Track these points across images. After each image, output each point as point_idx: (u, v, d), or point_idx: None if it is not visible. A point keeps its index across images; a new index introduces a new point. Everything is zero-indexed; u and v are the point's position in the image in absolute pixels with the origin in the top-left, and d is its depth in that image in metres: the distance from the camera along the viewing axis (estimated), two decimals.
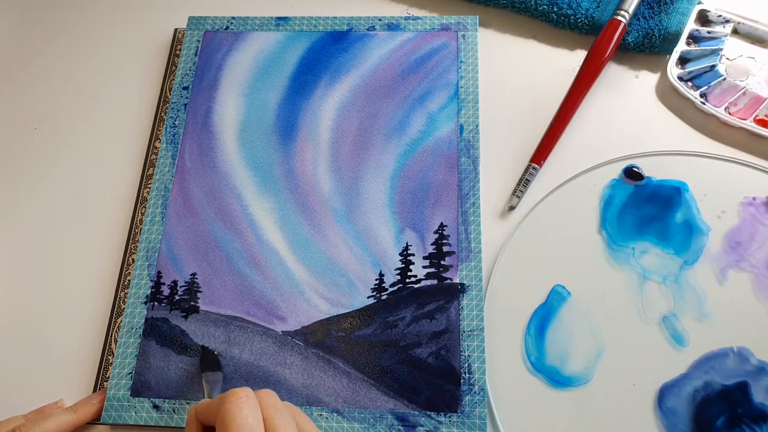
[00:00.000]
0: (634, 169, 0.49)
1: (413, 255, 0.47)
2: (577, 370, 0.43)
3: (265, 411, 0.34)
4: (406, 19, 0.56)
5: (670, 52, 0.52)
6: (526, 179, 0.49)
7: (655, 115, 0.52)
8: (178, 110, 0.53)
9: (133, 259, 0.49)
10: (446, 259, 0.47)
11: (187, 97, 0.54)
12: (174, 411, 0.43)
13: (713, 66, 0.51)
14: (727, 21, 0.53)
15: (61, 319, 0.48)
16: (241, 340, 0.45)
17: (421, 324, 0.45)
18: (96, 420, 0.44)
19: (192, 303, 0.47)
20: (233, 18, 0.57)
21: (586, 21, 0.54)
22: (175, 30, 0.58)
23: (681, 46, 0.52)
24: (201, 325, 0.46)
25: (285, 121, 0.53)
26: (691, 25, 0.52)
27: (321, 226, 0.49)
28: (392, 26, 0.56)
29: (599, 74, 0.51)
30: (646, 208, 0.48)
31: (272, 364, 0.44)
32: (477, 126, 0.51)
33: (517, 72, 0.54)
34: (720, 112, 0.50)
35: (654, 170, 0.49)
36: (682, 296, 0.45)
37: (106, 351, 0.46)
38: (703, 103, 0.50)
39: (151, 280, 0.48)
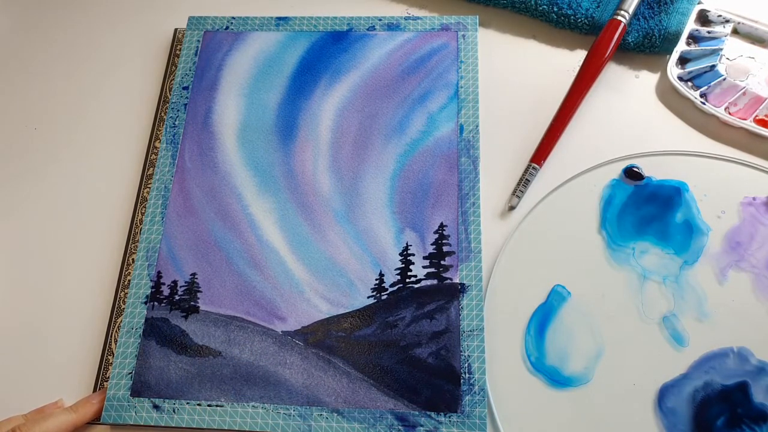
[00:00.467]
0: (634, 169, 0.49)
1: (413, 255, 0.47)
2: (577, 370, 0.43)
3: None
4: (406, 19, 0.56)
5: (670, 52, 0.52)
6: (526, 179, 0.49)
7: (655, 115, 0.52)
8: (178, 110, 0.53)
9: (133, 259, 0.49)
10: (446, 259, 0.47)
11: (187, 97, 0.54)
12: (174, 411, 0.43)
13: (713, 66, 0.51)
14: (727, 21, 0.53)
15: (61, 319, 0.48)
16: (241, 340, 0.45)
17: (421, 324, 0.45)
18: (96, 420, 0.44)
19: (192, 303, 0.47)
20: (233, 18, 0.57)
21: (586, 21, 0.54)
22: (175, 30, 0.58)
23: (681, 46, 0.52)
24: (201, 325, 0.46)
25: (285, 121, 0.53)
26: (691, 25, 0.52)
27: (321, 226, 0.49)
28: (392, 26, 0.56)
29: (599, 74, 0.51)
30: (646, 208, 0.48)
31: (272, 364, 0.44)
32: (477, 126, 0.51)
33: (517, 72, 0.54)
34: (720, 112, 0.50)
35: (654, 170, 0.49)
36: (682, 296, 0.45)
37: (106, 351, 0.46)
38: (703, 103, 0.50)
39: (151, 280, 0.48)
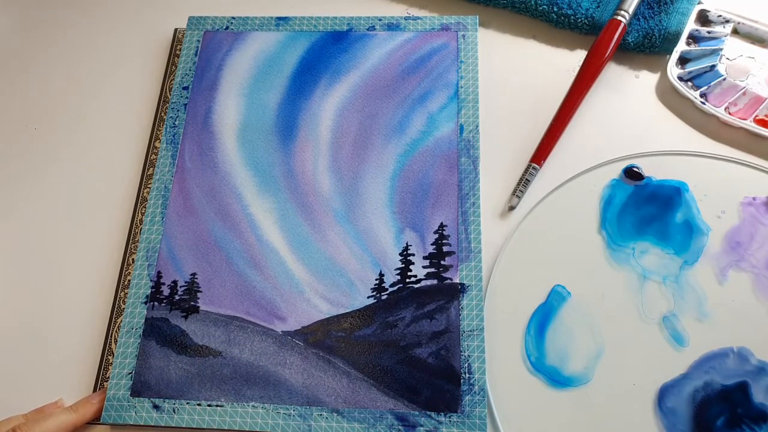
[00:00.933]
0: (634, 169, 0.49)
1: (413, 255, 0.47)
2: (577, 370, 0.43)
3: None
4: (406, 19, 0.56)
5: (670, 52, 0.52)
6: (526, 179, 0.49)
7: (655, 115, 0.52)
8: (178, 110, 0.53)
9: (133, 259, 0.49)
10: (446, 259, 0.47)
11: (187, 97, 0.54)
12: (174, 411, 0.43)
13: (713, 66, 0.51)
14: (727, 21, 0.53)
15: (61, 319, 0.48)
16: (241, 340, 0.45)
17: (421, 324, 0.45)
18: (96, 420, 0.44)
19: (192, 303, 0.47)
20: (233, 18, 0.57)
21: (586, 21, 0.54)
22: (175, 30, 0.58)
23: (681, 46, 0.52)
24: (201, 325, 0.46)
25: (285, 121, 0.53)
26: (691, 25, 0.52)
27: (321, 226, 0.49)
28: (392, 26, 0.56)
29: (599, 74, 0.51)
30: (646, 208, 0.48)
31: (272, 364, 0.44)
32: (477, 126, 0.51)
33: (517, 72, 0.54)
34: (720, 112, 0.50)
35: (654, 170, 0.49)
36: (682, 296, 0.45)
37: (106, 351, 0.46)
38: (703, 103, 0.50)
39: (151, 280, 0.48)
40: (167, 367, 0.45)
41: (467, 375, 0.43)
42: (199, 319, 0.46)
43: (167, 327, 0.46)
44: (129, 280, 0.48)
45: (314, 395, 0.43)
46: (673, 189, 0.48)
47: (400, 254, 0.47)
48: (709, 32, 0.52)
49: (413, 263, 0.47)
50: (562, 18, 0.54)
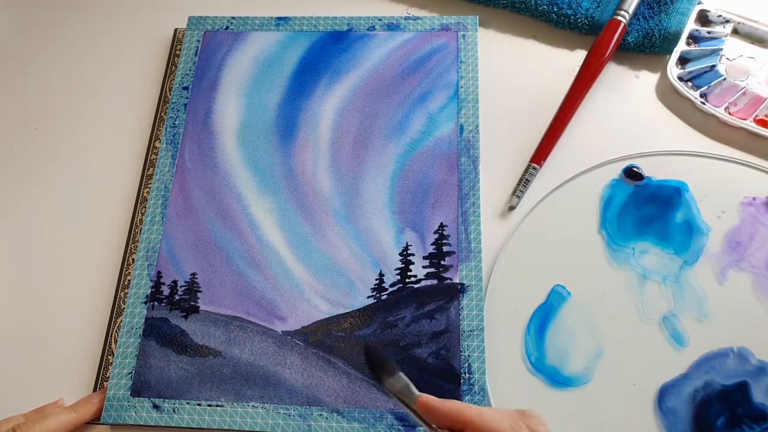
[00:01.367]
0: (634, 169, 0.49)
1: (413, 255, 0.47)
2: (577, 370, 0.43)
3: None
4: (406, 19, 0.56)
5: (670, 52, 0.52)
6: (526, 179, 0.49)
7: (655, 115, 0.52)
8: (178, 110, 0.53)
9: (133, 259, 0.49)
10: (446, 259, 0.47)
11: (187, 97, 0.54)
12: (174, 411, 0.43)
13: (713, 66, 0.51)
14: (727, 21, 0.53)
15: (61, 319, 0.48)
16: (241, 340, 0.45)
17: (421, 324, 0.45)
18: (96, 420, 0.44)
19: (192, 303, 0.47)
20: (233, 18, 0.57)
21: (586, 21, 0.54)
22: (175, 30, 0.58)
23: (681, 46, 0.52)
24: (201, 325, 0.46)
25: (285, 121, 0.53)
26: (691, 25, 0.52)
27: (321, 226, 0.49)
28: (392, 26, 0.56)
29: (599, 74, 0.51)
30: (646, 208, 0.48)
31: (272, 364, 0.44)
32: (477, 126, 0.51)
33: (517, 72, 0.54)
34: (720, 112, 0.50)
35: (654, 170, 0.49)
36: (682, 296, 0.45)
37: (106, 351, 0.46)
38: (703, 103, 0.50)
39: (151, 280, 0.48)
40: (167, 367, 0.45)
41: (467, 375, 0.43)
42: (199, 319, 0.46)
43: (167, 327, 0.46)
44: (129, 280, 0.48)
45: (314, 395, 0.43)
46: (673, 189, 0.48)
47: (400, 254, 0.47)
48: (709, 32, 0.52)
49: (413, 263, 0.47)
50: (562, 18, 0.54)
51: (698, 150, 0.49)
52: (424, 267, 0.47)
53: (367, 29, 0.56)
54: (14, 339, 0.48)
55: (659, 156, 0.49)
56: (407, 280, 0.46)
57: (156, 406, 0.44)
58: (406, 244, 0.48)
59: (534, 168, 0.49)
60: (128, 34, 0.59)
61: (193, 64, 0.55)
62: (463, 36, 0.54)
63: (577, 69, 0.52)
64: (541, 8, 0.54)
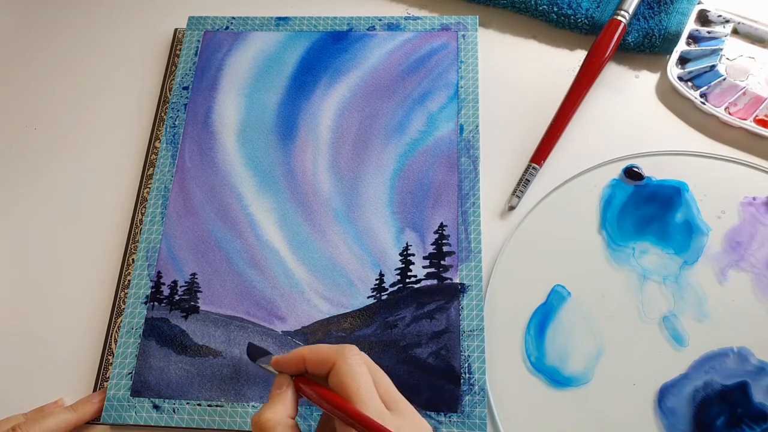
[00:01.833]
0: (634, 169, 0.49)
1: (413, 255, 0.47)
2: (577, 370, 0.43)
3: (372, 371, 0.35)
4: (406, 19, 0.56)
5: (670, 52, 0.52)
6: (526, 179, 0.49)
7: (655, 115, 0.52)
8: (178, 110, 0.54)
9: (133, 259, 0.49)
10: (446, 259, 0.47)
11: (187, 97, 0.54)
12: (174, 411, 0.43)
13: (713, 66, 0.51)
14: (727, 21, 0.53)
15: (61, 319, 0.48)
16: (241, 340, 0.45)
17: (421, 324, 0.45)
18: (96, 420, 0.44)
19: (192, 303, 0.47)
20: (233, 18, 0.57)
21: (586, 21, 0.54)
22: (175, 30, 0.58)
23: (681, 46, 0.52)
24: (201, 325, 0.46)
25: (285, 121, 0.53)
26: (691, 25, 0.52)
27: (321, 226, 0.49)
28: (392, 26, 0.56)
29: (599, 74, 0.51)
30: (646, 208, 0.48)
31: None
32: (477, 126, 0.51)
33: (517, 72, 0.54)
34: (720, 112, 0.50)
35: (654, 170, 0.49)
36: (682, 296, 0.45)
37: (106, 351, 0.46)
38: (703, 103, 0.50)
39: (151, 280, 0.48)
40: (167, 367, 0.45)
41: (467, 375, 0.43)
42: (199, 319, 0.46)
43: (167, 327, 0.46)
44: (129, 280, 0.48)
45: None
46: (673, 189, 0.48)
47: (400, 254, 0.47)
48: (709, 32, 0.52)
49: (413, 263, 0.47)
50: (562, 18, 0.54)
51: (698, 150, 0.49)
52: (424, 267, 0.47)
53: (367, 29, 0.56)
54: (14, 339, 0.48)
55: (659, 156, 0.49)
56: (407, 280, 0.46)
57: (156, 406, 0.44)
58: (406, 244, 0.48)
59: (534, 168, 0.49)
60: (128, 34, 0.59)
61: (193, 64, 0.55)
62: (463, 36, 0.54)
63: (577, 69, 0.52)
64: (541, 8, 0.54)
